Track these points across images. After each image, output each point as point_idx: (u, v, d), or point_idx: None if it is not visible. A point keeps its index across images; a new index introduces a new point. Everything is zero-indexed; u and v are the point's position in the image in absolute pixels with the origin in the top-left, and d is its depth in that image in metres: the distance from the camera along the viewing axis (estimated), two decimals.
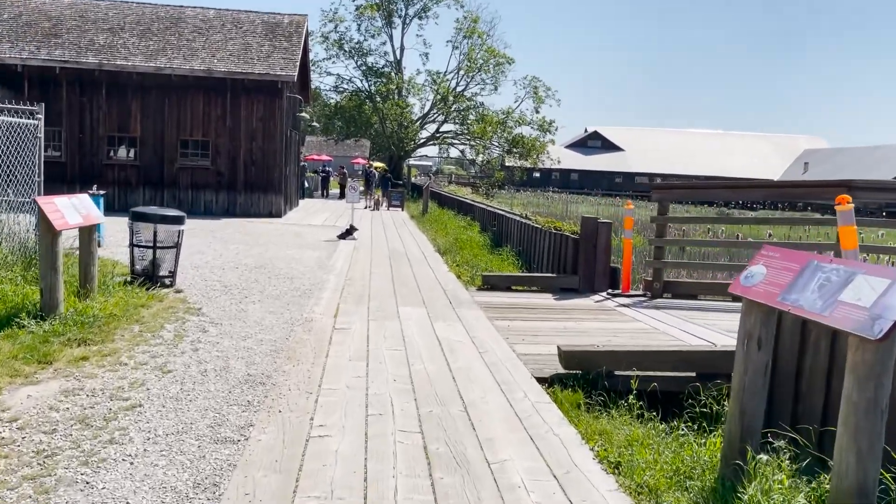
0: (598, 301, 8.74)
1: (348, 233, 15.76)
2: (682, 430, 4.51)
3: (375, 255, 13.31)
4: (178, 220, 8.68)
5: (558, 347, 5.65)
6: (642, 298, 8.81)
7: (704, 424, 4.61)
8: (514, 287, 9.90)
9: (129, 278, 8.54)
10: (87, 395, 4.59)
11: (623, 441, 4.37)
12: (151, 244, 8.47)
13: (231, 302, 8.05)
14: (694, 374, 5.19)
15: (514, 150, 41.44)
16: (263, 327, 6.89)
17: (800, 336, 4.31)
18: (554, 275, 9.70)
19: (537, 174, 70.50)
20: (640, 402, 4.95)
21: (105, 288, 7.58)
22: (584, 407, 5.09)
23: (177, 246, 8.73)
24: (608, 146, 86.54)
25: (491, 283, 9.95)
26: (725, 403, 4.67)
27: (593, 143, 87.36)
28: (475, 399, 5.02)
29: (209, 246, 13.09)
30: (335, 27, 42.18)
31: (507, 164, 45.77)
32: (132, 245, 8.56)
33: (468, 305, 8.65)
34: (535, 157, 41.75)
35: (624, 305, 8.39)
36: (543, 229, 11.04)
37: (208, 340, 6.20)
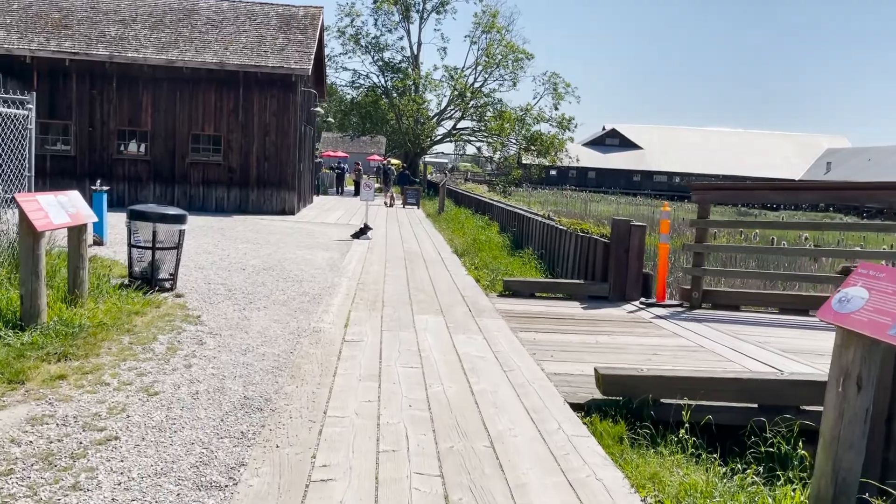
0: (631, 311, 8.05)
1: (362, 232, 15.16)
2: (746, 474, 3.84)
3: (390, 256, 12.69)
4: (178, 219, 8.10)
5: (596, 370, 4.99)
6: (679, 309, 8.11)
7: (774, 468, 3.93)
8: (537, 294, 9.24)
9: (126, 281, 7.99)
10: (57, 425, 3.99)
11: (679, 489, 3.70)
12: (150, 245, 7.90)
13: (234, 308, 7.46)
14: (756, 406, 4.50)
15: (532, 147, 40.65)
16: (267, 339, 6.28)
17: (893, 369, 3.62)
18: (581, 281, 9.02)
19: (554, 172, 69.67)
20: (694, 438, 4.28)
21: (98, 292, 7.01)
22: (628, 441, 4.43)
23: (177, 247, 8.15)
24: (626, 144, 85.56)
25: (513, 289, 9.30)
26: (800, 446, 3.99)
27: (611, 140, 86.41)
28: (502, 431, 4.37)
29: (217, 245, 12.54)
30: (352, 21, 41.64)
31: (524, 161, 44.99)
32: (130, 245, 8.00)
33: (489, 314, 8.01)
34: (553, 154, 40.95)
35: (660, 317, 7.69)
36: (569, 231, 10.35)
37: (204, 355, 5.60)
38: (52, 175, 19.35)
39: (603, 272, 8.83)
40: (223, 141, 20.17)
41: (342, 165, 38.55)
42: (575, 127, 41.34)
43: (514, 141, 41.85)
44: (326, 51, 37.97)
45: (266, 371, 5.32)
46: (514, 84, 41.49)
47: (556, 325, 7.51)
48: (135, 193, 19.83)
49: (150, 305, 7.08)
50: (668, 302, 8.27)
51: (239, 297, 8.11)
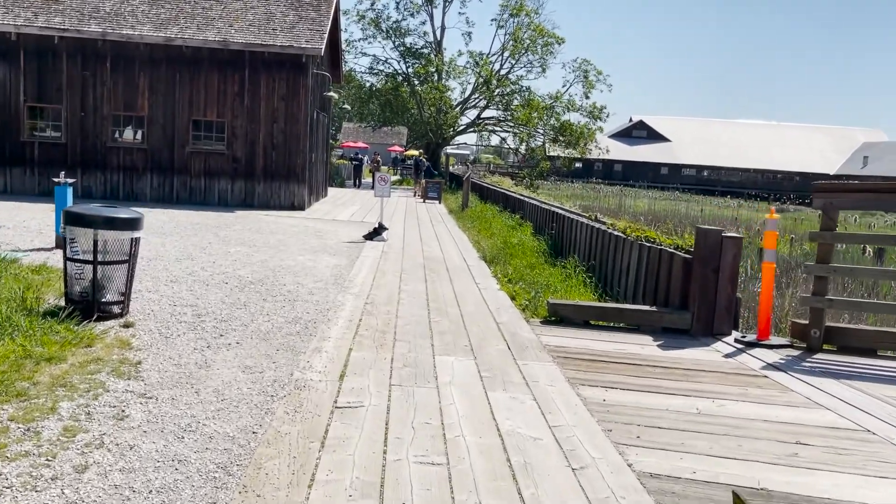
0: (728, 355, 6.00)
1: (376, 232, 13.23)
2: None
3: (407, 263, 10.74)
4: (130, 224, 6.20)
5: (737, 498, 2.99)
6: (792, 352, 6.06)
7: None
8: (592, 322, 7.24)
9: (63, 303, 6.13)
10: None
11: None
12: (91, 258, 6.02)
13: (195, 347, 5.55)
14: None
15: (561, 137, 38.36)
16: (224, 404, 4.36)
17: None
18: (653, 308, 6.99)
19: (579, 164, 67.59)
20: None
21: (6, 326, 5.14)
22: None
23: (130, 259, 6.26)
24: (654, 136, 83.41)
25: (560, 315, 7.30)
26: None
27: (638, 132, 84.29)
28: None
29: (205, 248, 10.68)
30: (372, 4, 39.68)
31: (551, 153, 42.71)
32: (66, 259, 6.13)
33: (535, 353, 6.04)
34: (583, 145, 38.64)
35: (773, 366, 5.64)
36: (629, 239, 8.31)
37: (117, 443, 3.68)
38: (39, 164, 17.73)
39: (682, 297, 6.80)
40: (227, 128, 18.34)
41: (359, 156, 36.64)
42: (606, 116, 39.04)
43: (541, 131, 39.60)
44: (345, 35, 36.02)
45: (205, 476, 3.40)
46: (543, 70, 39.15)
47: (630, 374, 5.50)
48: (130, 185, 18.13)
49: (77, 345, 5.20)
50: (773, 341, 6.22)
51: (208, 326, 6.21)
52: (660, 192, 54.85)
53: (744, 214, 27.66)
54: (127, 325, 5.97)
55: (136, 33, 17.52)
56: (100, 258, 6.05)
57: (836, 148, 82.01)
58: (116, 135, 18.22)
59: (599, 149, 41.22)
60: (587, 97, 39.01)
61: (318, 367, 5.24)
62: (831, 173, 77.69)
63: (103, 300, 6.12)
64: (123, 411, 4.09)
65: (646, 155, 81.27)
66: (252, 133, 18.39)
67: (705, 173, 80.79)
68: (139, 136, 18.25)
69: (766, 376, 5.36)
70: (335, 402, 4.54)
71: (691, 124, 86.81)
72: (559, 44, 38.18)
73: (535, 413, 4.60)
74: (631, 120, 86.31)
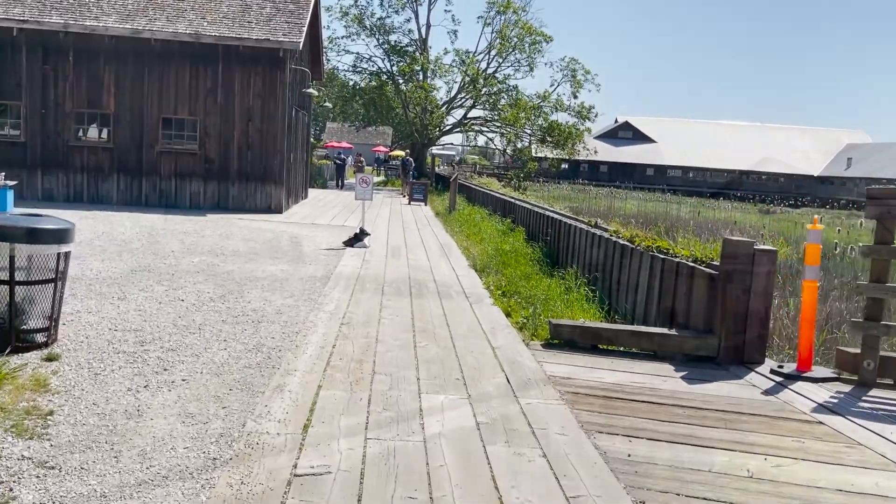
0: (767, 392, 5.09)
1: (357, 239, 12.25)
2: None
3: (390, 274, 9.78)
4: (57, 236, 5.20)
5: None
6: (841, 386, 5.16)
7: None
8: (601, 346, 6.32)
9: None
10: None
11: None
12: (7, 278, 5.01)
13: (128, 386, 4.57)
14: None
15: (549, 138, 37.46)
16: (149, 475, 3.39)
17: None
18: (672, 331, 6.07)
19: (565, 165, 66.95)
20: None
21: None
22: None
23: (57, 277, 5.26)
24: (639, 137, 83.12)
25: (564, 337, 6.39)
26: None
27: (624, 133, 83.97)
28: None
29: (166, 258, 9.65)
30: (355, 0, 38.53)
31: (538, 153, 41.82)
32: None
33: (539, 388, 5.12)
34: (571, 146, 37.76)
35: (824, 407, 4.73)
36: (638, 250, 7.41)
37: None
38: None
39: (706, 318, 5.90)
40: (199, 126, 17.27)
41: (342, 156, 35.56)
42: (595, 116, 38.24)
43: (528, 132, 38.68)
44: (327, 33, 34.94)
45: None
46: (531, 69, 38.23)
47: (655, 418, 4.58)
48: (95, 187, 17.01)
49: None
50: (817, 373, 5.33)
51: (151, 357, 5.22)
52: (647, 193, 54.25)
53: (737, 217, 26.91)
54: (50, 359, 4.96)
55: (101, 24, 16.42)
56: (20, 277, 5.05)
57: (819, 149, 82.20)
58: (80, 133, 17.09)
59: (587, 149, 40.40)
60: (575, 97, 38.21)
61: (277, 415, 4.27)
62: (815, 175, 77.92)
63: (23, 327, 5.12)
64: (11, 490, 3.11)
65: (631, 156, 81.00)
66: (226, 132, 17.34)
67: (690, 174, 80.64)
68: (104, 134, 17.13)
69: (821, 422, 4.45)
70: (294, 467, 3.58)
71: (677, 125, 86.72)
72: (547, 42, 37.32)
73: (546, 476, 3.67)
74: (616, 121, 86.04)
